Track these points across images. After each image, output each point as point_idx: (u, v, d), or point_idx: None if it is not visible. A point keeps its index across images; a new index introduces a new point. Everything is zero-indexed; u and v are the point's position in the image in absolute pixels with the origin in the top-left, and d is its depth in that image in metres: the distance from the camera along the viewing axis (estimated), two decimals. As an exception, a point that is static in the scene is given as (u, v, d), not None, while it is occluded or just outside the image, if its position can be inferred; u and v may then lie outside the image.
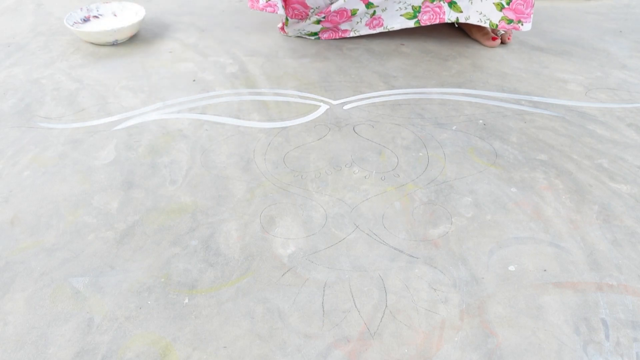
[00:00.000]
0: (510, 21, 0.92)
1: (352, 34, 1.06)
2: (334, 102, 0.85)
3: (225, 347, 0.47)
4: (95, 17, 1.11)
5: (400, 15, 1.00)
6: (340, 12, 1.01)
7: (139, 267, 0.55)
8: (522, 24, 0.93)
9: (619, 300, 0.51)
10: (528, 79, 0.92)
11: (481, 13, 0.94)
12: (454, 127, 0.78)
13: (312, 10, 1.02)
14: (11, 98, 0.87)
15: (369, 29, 1.04)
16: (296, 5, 1.00)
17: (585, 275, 0.54)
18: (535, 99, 0.86)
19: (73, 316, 0.50)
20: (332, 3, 1.00)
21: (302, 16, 1.03)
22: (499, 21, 0.93)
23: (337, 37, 1.07)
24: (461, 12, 0.95)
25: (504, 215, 0.62)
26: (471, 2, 0.94)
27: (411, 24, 1.01)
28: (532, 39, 1.08)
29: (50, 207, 0.63)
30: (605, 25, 1.17)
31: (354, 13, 1.01)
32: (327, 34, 1.07)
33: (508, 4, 0.90)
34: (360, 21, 1.03)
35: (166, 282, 0.54)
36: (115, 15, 1.12)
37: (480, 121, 0.80)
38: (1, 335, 0.48)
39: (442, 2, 0.96)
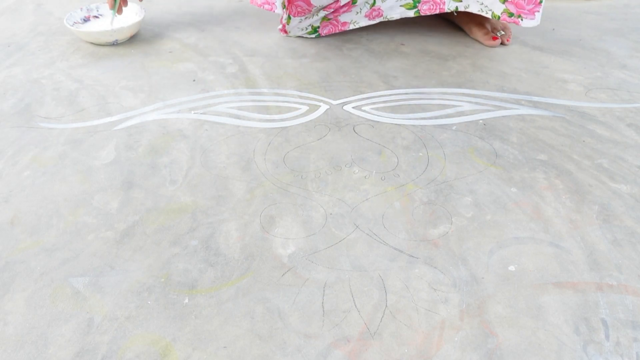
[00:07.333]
0: (511, 14, 0.91)
1: (351, 27, 1.05)
2: (334, 102, 0.85)
3: (225, 347, 0.47)
4: (95, 17, 1.11)
5: (400, 5, 1.00)
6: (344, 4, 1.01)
7: (139, 267, 0.55)
8: (522, 19, 0.92)
9: (619, 300, 0.51)
10: (528, 79, 0.92)
11: (482, 3, 0.93)
12: (454, 127, 0.78)
13: (315, 8, 1.02)
14: (11, 98, 0.87)
15: (369, 19, 1.03)
16: (300, 3, 1.00)
17: (585, 275, 0.54)
18: (535, 99, 0.86)
19: (73, 316, 0.50)
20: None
21: (304, 13, 1.03)
22: (501, 13, 0.92)
23: (337, 31, 1.07)
24: (460, 1, 0.95)
25: (504, 215, 0.62)
26: None
27: (411, 13, 1.00)
28: (532, 39, 1.08)
29: (50, 207, 0.63)
30: (605, 25, 1.17)
31: (354, 2, 1.01)
32: (327, 28, 1.06)
33: None
34: (360, 12, 1.03)
35: (166, 282, 0.54)
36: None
37: (480, 121, 0.80)
38: (1, 335, 0.48)
39: None
